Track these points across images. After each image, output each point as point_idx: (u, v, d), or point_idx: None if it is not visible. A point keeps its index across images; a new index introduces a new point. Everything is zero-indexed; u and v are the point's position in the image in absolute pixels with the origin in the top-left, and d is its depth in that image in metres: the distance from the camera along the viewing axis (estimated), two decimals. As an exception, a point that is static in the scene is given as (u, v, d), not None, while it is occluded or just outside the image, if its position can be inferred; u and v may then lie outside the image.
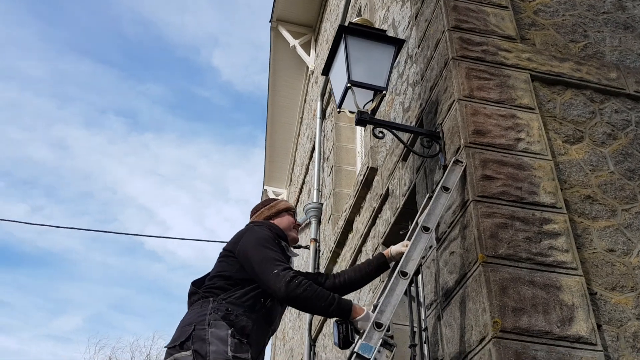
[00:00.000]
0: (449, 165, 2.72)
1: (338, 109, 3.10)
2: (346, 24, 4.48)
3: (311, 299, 2.13)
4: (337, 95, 3.11)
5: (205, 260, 32.37)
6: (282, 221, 2.60)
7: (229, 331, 2.09)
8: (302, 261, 7.29)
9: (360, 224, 4.69)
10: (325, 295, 2.15)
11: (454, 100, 2.96)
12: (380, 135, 2.97)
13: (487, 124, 2.86)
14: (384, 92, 3.00)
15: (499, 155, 2.74)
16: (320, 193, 6.93)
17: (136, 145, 35.74)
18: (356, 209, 4.86)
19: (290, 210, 2.69)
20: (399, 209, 3.64)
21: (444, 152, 2.97)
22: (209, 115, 40.39)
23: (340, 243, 5.30)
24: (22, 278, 30.37)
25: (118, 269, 31.79)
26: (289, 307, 2.29)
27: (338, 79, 3.13)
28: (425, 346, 2.81)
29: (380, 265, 2.69)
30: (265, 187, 11.12)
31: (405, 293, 3.21)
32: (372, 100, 3.02)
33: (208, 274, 2.37)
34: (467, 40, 3.22)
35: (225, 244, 2.46)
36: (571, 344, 2.22)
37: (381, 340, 2.11)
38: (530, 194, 2.63)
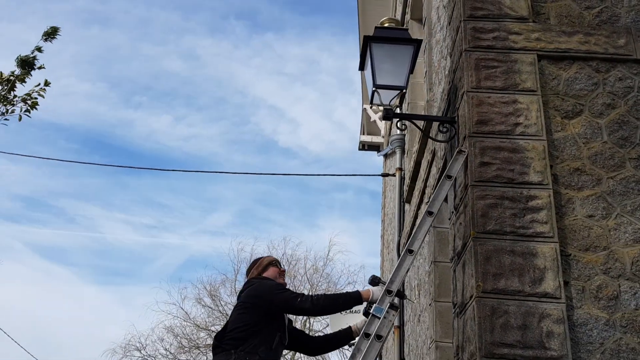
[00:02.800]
0: (454, 155, 3.38)
1: (370, 104, 3.80)
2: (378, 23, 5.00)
3: (331, 306, 3.08)
4: (369, 92, 3.80)
5: (337, 150, 34.19)
6: (269, 273, 3.29)
7: None
8: (390, 186, 8.13)
9: (422, 169, 5.40)
10: (338, 298, 3.09)
11: (464, 92, 3.53)
12: (403, 127, 3.66)
13: (490, 112, 3.43)
14: (404, 90, 3.65)
15: (497, 142, 3.34)
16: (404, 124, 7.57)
17: (259, 46, 37.33)
18: (421, 153, 5.54)
19: (273, 263, 3.36)
20: (440, 169, 4.33)
21: (457, 136, 3.60)
22: (326, 5, 40.56)
23: (413, 179, 6.05)
24: (175, 182, 34.55)
25: (257, 167, 34.82)
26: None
27: (369, 78, 3.80)
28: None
29: (347, 336, 3.41)
30: (365, 107, 11.81)
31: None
32: (396, 96, 3.68)
33: (227, 325, 3.10)
34: (479, 29, 3.69)
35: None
36: (539, 299, 2.94)
37: (389, 304, 2.98)
38: (520, 175, 3.24)
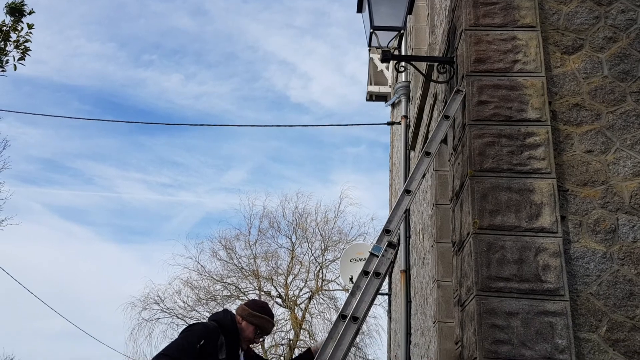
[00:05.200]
0: (452, 95, 3.35)
1: (368, 47, 3.76)
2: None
3: None
4: (366, 35, 3.75)
5: (349, 104, 33.85)
6: (246, 329, 3.10)
7: None
8: (397, 135, 8.10)
9: (425, 115, 5.37)
10: None
11: (462, 30, 3.48)
12: (402, 69, 3.63)
13: (488, 50, 3.38)
14: (402, 31, 3.60)
15: (495, 80, 3.31)
16: (409, 71, 7.48)
17: None
18: (424, 98, 5.50)
19: (259, 329, 3.13)
20: (441, 112, 4.30)
21: (456, 76, 3.56)
22: (334, -47, 39.54)
23: (417, 125, 6.03)
24: (190, 140, 34.37)
25: (270, 124, 34.54)
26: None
27: (367, 20, 3.75)
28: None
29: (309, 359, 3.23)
30: (371, 56, 11.65)
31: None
32: (394, 38, 3.63)
33: None
34: (478, -36, 3.59)
35: None
36: (535, 234, 2.96)
37: (387, 242, 3.03)
38: (518, 112, 3.22)
